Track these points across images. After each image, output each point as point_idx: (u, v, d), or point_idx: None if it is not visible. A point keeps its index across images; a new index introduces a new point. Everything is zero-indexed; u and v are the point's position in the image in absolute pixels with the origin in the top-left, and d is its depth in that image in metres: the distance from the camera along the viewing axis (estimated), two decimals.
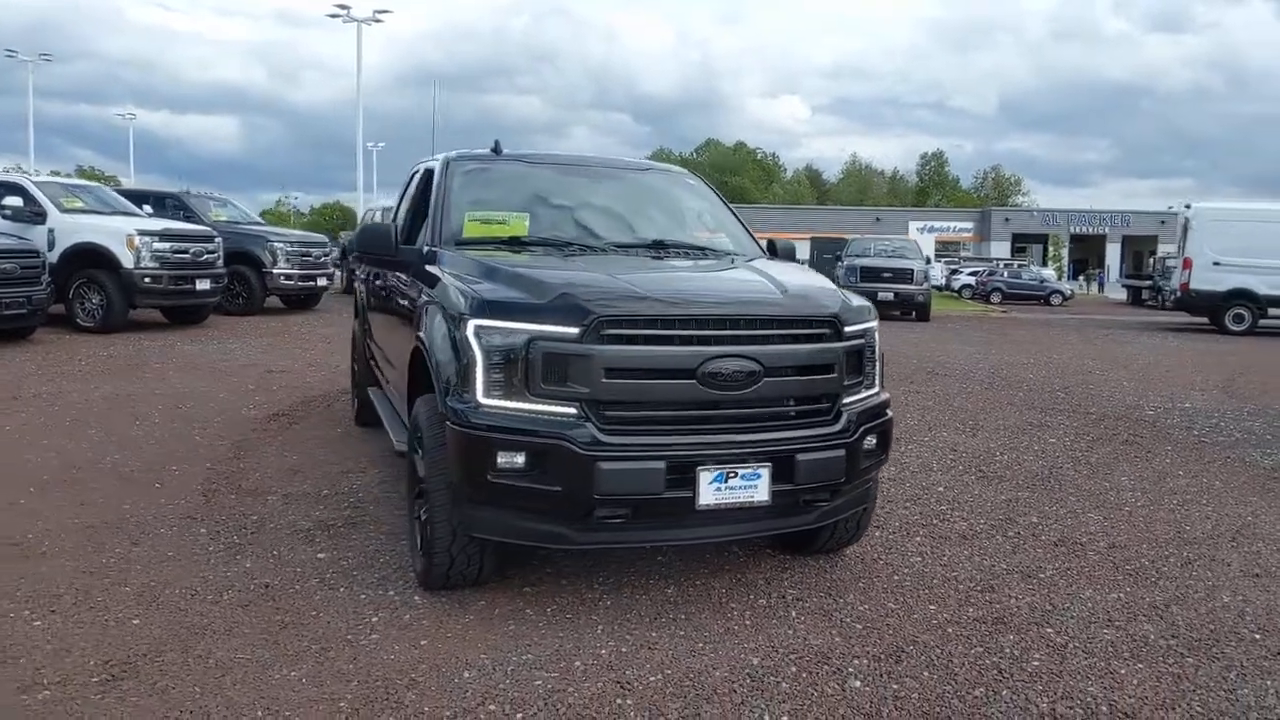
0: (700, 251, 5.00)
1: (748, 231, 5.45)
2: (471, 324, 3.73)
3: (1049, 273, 45.75)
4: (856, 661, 3.57)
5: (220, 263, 14.34)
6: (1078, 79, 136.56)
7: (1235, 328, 18.81)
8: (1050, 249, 65.15)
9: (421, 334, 4.17)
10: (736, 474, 3.69)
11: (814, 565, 4.60)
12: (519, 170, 5.36)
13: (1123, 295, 42.95)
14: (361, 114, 35.59)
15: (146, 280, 12.85)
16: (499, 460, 3.62)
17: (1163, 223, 66.40)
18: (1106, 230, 67.70)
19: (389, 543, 4.76)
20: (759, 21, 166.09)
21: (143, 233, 12.97)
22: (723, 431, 3.72)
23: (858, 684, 3.40)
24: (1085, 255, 68.81)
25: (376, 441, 6.91)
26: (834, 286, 4.38)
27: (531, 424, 3.62)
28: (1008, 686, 3.41)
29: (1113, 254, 66.50)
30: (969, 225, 72.20)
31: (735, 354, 3.70)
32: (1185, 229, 19.38)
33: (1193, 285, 18.99)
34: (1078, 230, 68.18)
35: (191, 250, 13.58)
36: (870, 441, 4.08)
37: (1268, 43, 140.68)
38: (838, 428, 3.93)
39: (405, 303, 4.84)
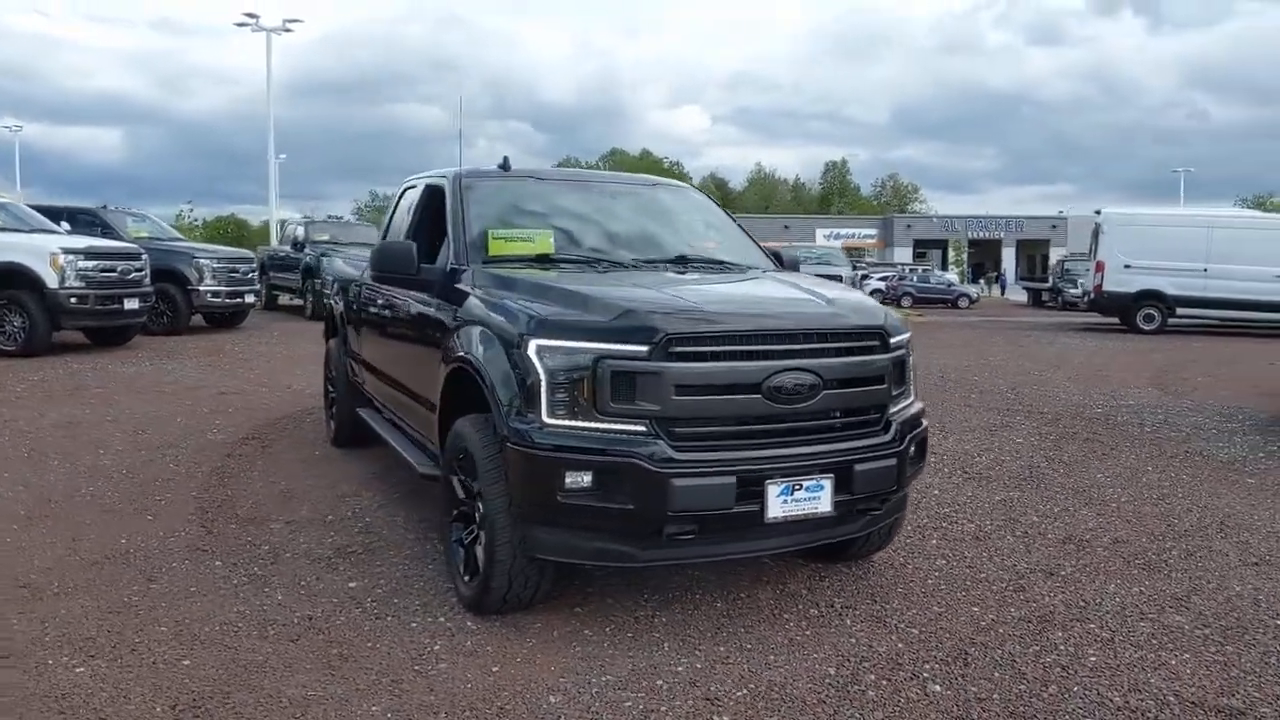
0: (720, 265, 5.03)
1: (755, 243, 5.51)
2: (533, 344, 3.69)
3: (953, 276, 47.33)
4: (928, 666, 3.64)
5: (148, 281, 13.76)
6: (964, 89, 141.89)
7: (1146, 327, 19.79)
8: (952, 253, 67.41)
9: (468, 354, 4.08)
10: (801, 486, 3.73)
11: (848, 573, 4.67)
12: (532, 187, 5.31)
13: (1023, 297, 44.66)
14: (273, 125, 34.65)
15: (73, 300, 12.24)
16: (567, 480, 3.58)
17: (1054, 227, 69.53)
18: (1002, 235, 70.42)
19: (416, 567, 4.65)
20: (657, 33, 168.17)
21: (67, 251, 12.36)
22: (786, 444, 3.76)
23: (938, 688, 3.47)
24: (982, 259, 71.44)
25: (360, 463, 6.75)
26: (870, 299, 4.46)
27: (601, 443, 3.59)
28: (1076, 683, 3.52)
29: (1008, 257, 69.17)
30: (873, 231, 74.21)
31: (797, 367, 3.74)
32: (1097, 234, 20.31)
33: (1105, 287, 19.91)
34: (975, 235, 70.75)
35: (119, 269, 13.00)
36: (913, 450, 4.17)
37: (1139, 55, 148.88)
38: (888, 437, 4.01)
39: (429, 323, 4.73)
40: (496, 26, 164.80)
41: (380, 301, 5.61)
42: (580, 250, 4.86)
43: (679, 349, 3.61)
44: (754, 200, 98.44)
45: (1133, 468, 7.11)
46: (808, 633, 3.95)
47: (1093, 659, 3.73)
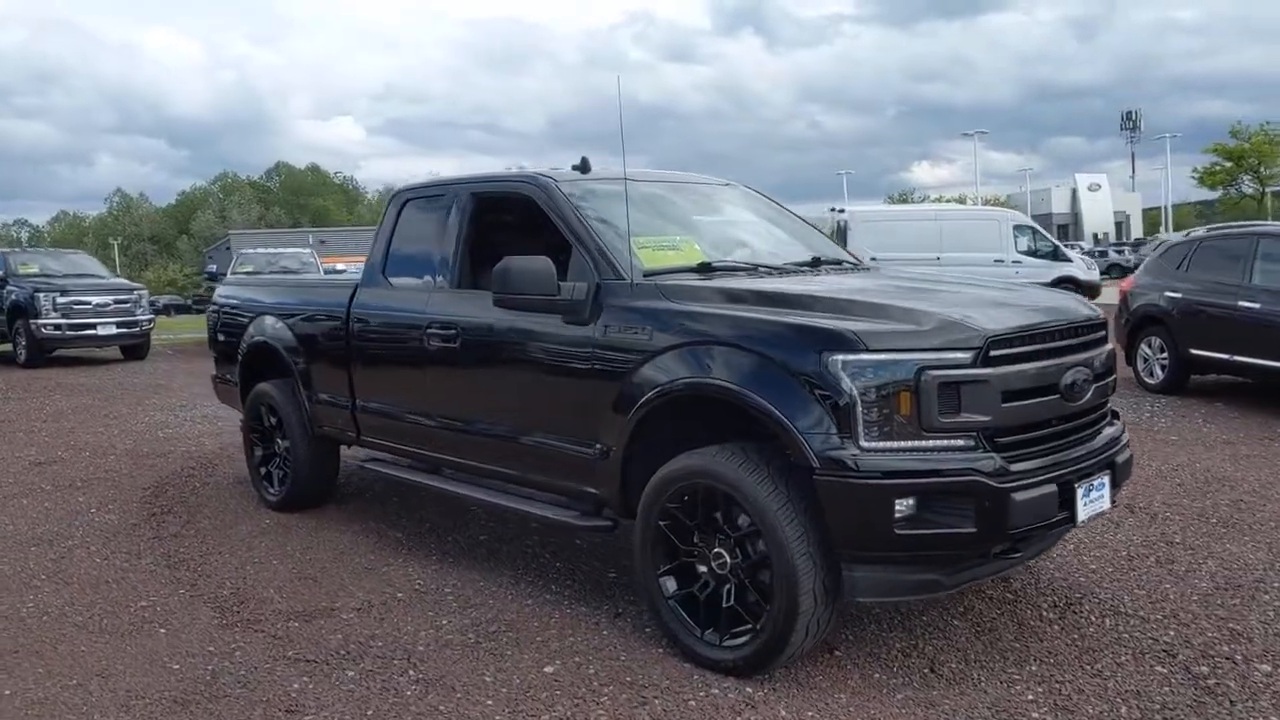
0: (843, 264, 4.75)
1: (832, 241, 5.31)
2: (838, 359, 3.24)
3: None
4: (1218, 646, 3.64)
5: None
6: (611, 102, 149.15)
7: None
8: None
9: (709, 380, 3.51)
10: (1093, 485, 3.58)
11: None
12: (633, 190, 4.69)
13: None
14: None
15: None
16: (899, 509, 3.19)
17: None
18: None
19: (590, 638, 3.97)
20: (297, 41, 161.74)
21: None
22: (1075, 444, 3.60)
23: (1266, 667, 3.47)
24: None
25: (333, 528, 5.70)
26: None
27: (932, 463, 3.23)
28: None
29: None
30: None
31: (1080, 363, 3.60)
32: (844, 230, 21.89)
33: None
34: None
35: None
36: None
37: (761, 71, 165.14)
38: (1120, 426, 3.97)
39: (584, 352, 4.00)
40: (113, 33, 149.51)
41: (441, 333, 4.66)
42: (726, 256, 4.38)
43: (998, 352, 3.33)
44: None
45: None
46: (1074, 637, 3.81)
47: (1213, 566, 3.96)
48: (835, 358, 3.24)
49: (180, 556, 5.28)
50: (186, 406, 10.83)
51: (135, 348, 16.56)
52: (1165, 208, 59.81)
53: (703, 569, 3.65)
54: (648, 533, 3.75)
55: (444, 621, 4.19)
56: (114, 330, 15.89)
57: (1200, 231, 10.03)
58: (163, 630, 4.23)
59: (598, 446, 3.96)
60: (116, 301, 16.01)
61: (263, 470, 6.27)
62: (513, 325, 4.33)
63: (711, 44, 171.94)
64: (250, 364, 6.29)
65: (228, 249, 61.32)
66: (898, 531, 3.18)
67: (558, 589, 4.55)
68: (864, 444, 3.21)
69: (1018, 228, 20.95)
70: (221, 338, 6.73)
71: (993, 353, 3.31)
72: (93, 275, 17.16)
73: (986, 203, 48.52)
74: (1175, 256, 9.62)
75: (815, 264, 4.58)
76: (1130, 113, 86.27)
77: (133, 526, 5.90)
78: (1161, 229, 66.05)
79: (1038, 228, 21.58)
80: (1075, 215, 67.88)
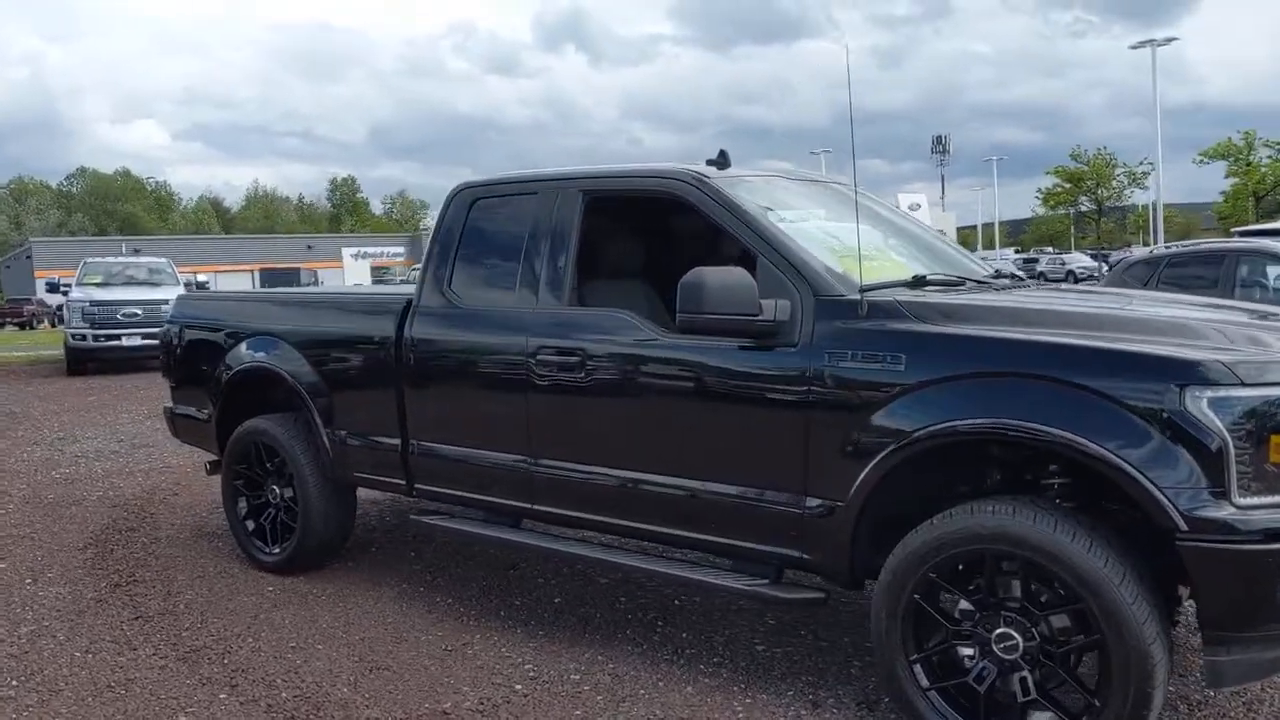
0: (1012, 278, 4.20)
1: None
2: (1205, 395, 2.66)
3: None
4: None
5: None
6: (433, 112, 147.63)
7: None
8: None
9: (1012, 420, 2.85)
10: None
11: None
12: (796, 187, 3.98)
13: None
14: None
15: None
16: None
17: None
18: None
19: None
20: (94, 40, 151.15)
21: None
22: None
23: None
24: None
25: (360, 593, 4.70)
26: None
27: None
28: None
29: None
30: (400, 249, 72.94)
31: None
32: None
33: None
34: None
35: None
36: None
37: (585, 87, 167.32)
38: None
39: (787, 383, 3.25)
40: None
41: (557, 361, 3.76)
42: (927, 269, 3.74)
43: None
44: (257, 220, 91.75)
45: None
46: None
47: None
48: (1203, 394, 2.66)
49: (190, 644, 4.14)
50: (65, 439, 9.23)
51: None
52: (995, 224, 64.54)
53: (967, 652, 2.99)
54: (897, 609, 3.05)
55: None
56: None
57: (1160, 249, 10.18)
58: None
59: (814, 501, 3.23)
60: None
61: (250, 524, 5.13)
62: (673, 352, 3.54)
63: (535, 59, 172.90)
64: (235, 395, 5.14)
65: (28, 258, 55.79)
66: None
67: (708, 669, 3.76)
68: (1238, 500, 2.64)
69: None
70: (185, 363, 5.52)
71: None
72: None
73: None
74: (1140, 275, 9.68)
75: (997, 275, 4.02)
76: (940, 137, 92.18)
77: (97, 603, 4.66)
78: (979, 246, 70.69)
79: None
80: None
